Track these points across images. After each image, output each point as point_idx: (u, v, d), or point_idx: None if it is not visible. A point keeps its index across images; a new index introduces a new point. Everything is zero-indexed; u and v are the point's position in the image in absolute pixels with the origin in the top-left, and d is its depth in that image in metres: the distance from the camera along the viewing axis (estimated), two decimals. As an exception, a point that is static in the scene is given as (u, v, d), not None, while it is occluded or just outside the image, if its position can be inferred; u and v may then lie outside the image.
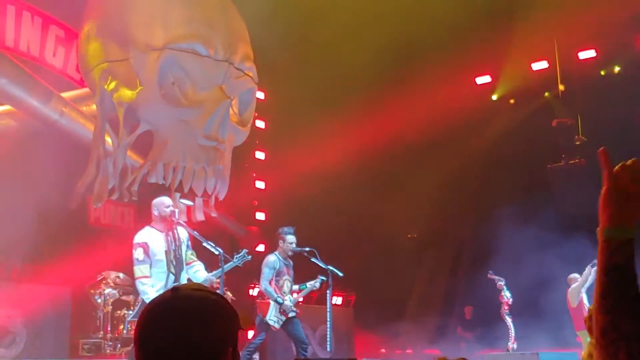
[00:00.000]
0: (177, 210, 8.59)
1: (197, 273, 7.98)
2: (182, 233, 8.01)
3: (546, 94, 16.21)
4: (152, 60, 8.20)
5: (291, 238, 9.40)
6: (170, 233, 7.88)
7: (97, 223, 12.60)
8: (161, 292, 7.44)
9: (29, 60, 11.32)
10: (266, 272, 9.24)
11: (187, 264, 7.95)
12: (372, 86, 14.94)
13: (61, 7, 11.68)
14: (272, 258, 9.35)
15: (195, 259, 8.08)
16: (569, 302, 12.06)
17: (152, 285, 7.58)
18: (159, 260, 7.71)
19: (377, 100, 15.41)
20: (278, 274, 9.27)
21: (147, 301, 7.36)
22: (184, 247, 7.92)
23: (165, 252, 7.76)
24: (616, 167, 1.63)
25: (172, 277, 7.69)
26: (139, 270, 7.68)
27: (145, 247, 7.73)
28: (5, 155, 10.40)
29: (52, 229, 9.01)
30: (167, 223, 7.88)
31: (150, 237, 7.83)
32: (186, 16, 8.51)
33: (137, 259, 7.66)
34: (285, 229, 9.52)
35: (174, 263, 7.75)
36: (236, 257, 8.19)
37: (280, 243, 9.40)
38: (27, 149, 10.61)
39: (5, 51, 10.68)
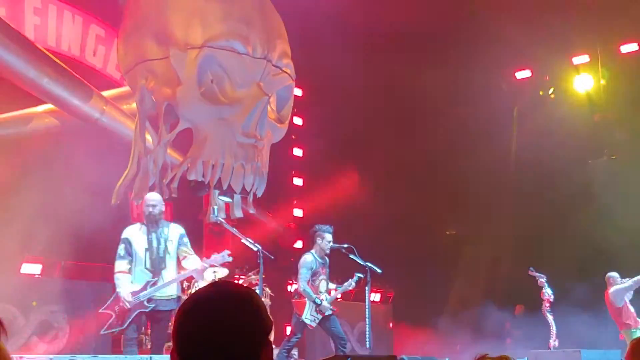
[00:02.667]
0: (216, 207, 8.65)
1: (188, 262, 7.86)
2: (174, 230, 7.95)
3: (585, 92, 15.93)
4: (191, 58, 8.27)
5: (330, 236, 9.32)
6: (154, 231, 7.86)
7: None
8: (137, 289, 7.50)
9: (70, 59, 11.49)
10: (304, 273, 9.17)
11: (181, 259, 7.89)
12: (413, 80, 14.86)
13: (101, 6, 11.84)
14: (309, 258, 9.26)
15: (191, 253, 7.96)
16: (608, 301, 11.88)
17: (129, 281, 7.65)
18: (139, 257, 7.75)
19: (416, 98, 15.34)
20: (314, 274, 9.21)
21: (120, 294, 7.40)
22: (170, 245, 7.81)
23: (145, 249, 7.77)
24: None
25: (149, 275, 7.69)
26: (118, 265, 7.77)
27: (126, 243, 7.81)
28: (48, 153, 10.57)
29: (95, 225, 9.13)
30: (151, 220, 7.88)
31: (134, 233, 7.88)
32: (224, 15, 8.56)
33: (118, 254, 7.77)
34: (323, 227, 9.41)
35: (152, 261, 7.72)
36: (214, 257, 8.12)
37: (319, 241, 9.29)
38: (69, 147, 10.76)
39: (47, 51, 10.85)
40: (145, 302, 7.59)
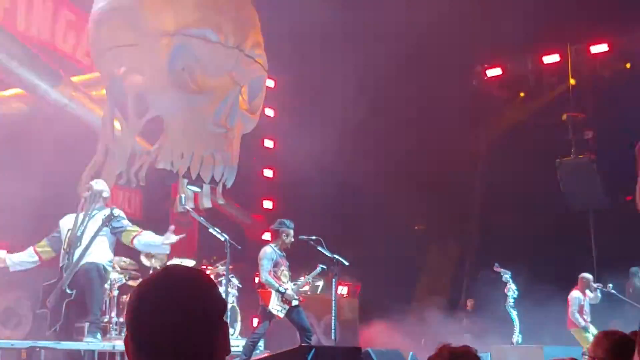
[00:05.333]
0: (183, 196, 8.59)
1: (142, 237, 7.78)
2: (103, 211, 7.77)
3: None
4: (163, 45, 8.22)
5: (292, 232, 9.41)
6: (81, 214, 7.75)
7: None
8: (27, 258, 7.53)
9: (39, 44, 11.34)
10: (265, 264, 9.21)
11: (132, 239, 7.76)
12: (383, 78, 14.90)
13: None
14: (268, 250, 9.30)
15: (133, 228, 7.81)
16: (569, 301, 12.13)
17: (26, 252, 7.70)
18: (62, 240, 7.69)
19: (388, 94, 15.39)
20: (275, 265, 9.26)
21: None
22: (92, 223, 7.62)
23: (68, 230, 7.70)
24: None
25: (66, 257, 7.56)
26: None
27: (59, 228, 7.81)
28: (14, 138, 10.44)
29: (59, 213, 9.04)
30: (85, 202, 7.78)
31: (66, 219, 7.86)
32: (197, 3, 8.51)
33: None
34: (288, 222, 9.46)
35: (70, 240, 7.58)
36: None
37: (283, 236, 9.33)
38: (36, 133, 10.64)
39: (16, 34, 10.70)
40: (67, 290, 7.36)
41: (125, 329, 7.99)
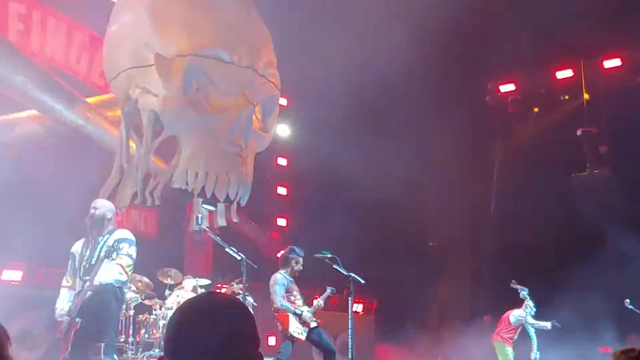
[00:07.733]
0: (200, 216, 8.62)
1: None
2: (114, 235, 7.79)
3: None
4: (177, 66, 8.24)
5: (301, 260, 9.48)
6: (92, 239, 7.75)
7: (120, 227, 12.64)
8: (70, 297, 7.36)
9: (53, 66, 11.43)
10: (278, 290, 9.25)
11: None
12: (394, 93, 14.90)
13: (86, 13, 11.79)
14: (278, 276, 9.38)
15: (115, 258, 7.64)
16: (508, 315, 12.04)
17: (65, 296, 7.56)
18: (77, 268, 7.67)
19: (400, 110, 15.39)
20: (287, 291, 9.30)
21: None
22: (104, 251, 7.56)
23: (81, 258, 7.71)
24: None
25: (80, 284, 7.54)
26: (63, 278, 7.75)
27: (72, 256, 7.77)
28: (31, 159, 10.50)
29: (76, 232, 9.08)
30: (90, 228, 7.78)
31: (77, 245, 7.84)
32: (211, 23, 8.54)
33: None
34: (298, 249, 9.51)
35: (85, 270, 7.55)
36: None
37: (294, 264, 9.42)
38: (51, 153, 10.69)
39: (30, 56, 10.79)
40: (76, 318, 7.31)
41: (141, 349, 8.06)
